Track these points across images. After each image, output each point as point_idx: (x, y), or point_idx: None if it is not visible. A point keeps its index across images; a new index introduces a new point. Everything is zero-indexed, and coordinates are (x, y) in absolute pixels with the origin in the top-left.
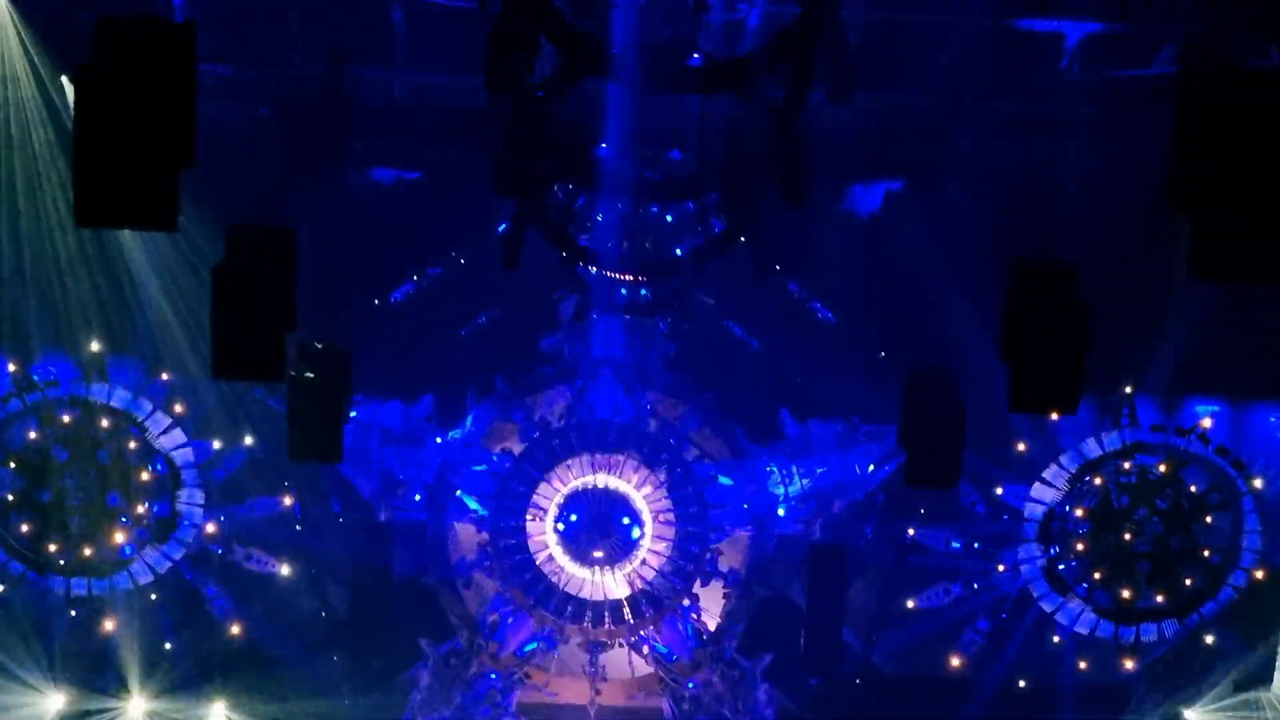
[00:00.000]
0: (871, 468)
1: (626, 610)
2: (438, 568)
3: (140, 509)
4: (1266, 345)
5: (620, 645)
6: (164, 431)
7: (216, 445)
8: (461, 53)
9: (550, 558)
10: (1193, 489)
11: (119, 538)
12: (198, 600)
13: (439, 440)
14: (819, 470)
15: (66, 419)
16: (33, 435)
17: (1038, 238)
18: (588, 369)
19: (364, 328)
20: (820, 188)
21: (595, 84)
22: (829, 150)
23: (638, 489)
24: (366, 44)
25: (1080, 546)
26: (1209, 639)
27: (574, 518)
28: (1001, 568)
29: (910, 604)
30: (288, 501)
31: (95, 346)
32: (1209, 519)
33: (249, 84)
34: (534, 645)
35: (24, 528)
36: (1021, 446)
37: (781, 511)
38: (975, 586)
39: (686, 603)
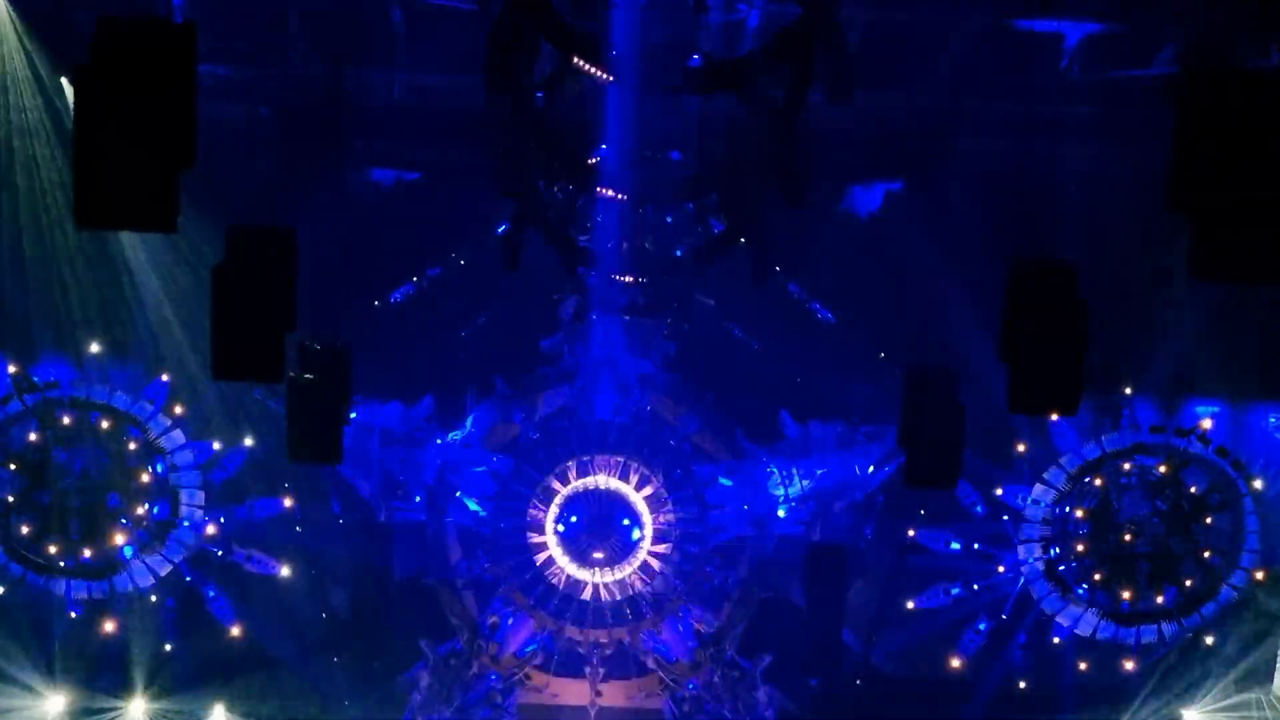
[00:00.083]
0: (871, 468)
1: (627, 611)
2: (437, 569)
3: (140, 510)
4: (1266, 346)
5: (620, 646)
6: (164, 433)
7: (216, 446)
8: (461, 53)
9: (550, 559)
10: (1193, 490)
11: (119, 539)
12: (198, 601)
13: (439, 441)
14: (819, 471)
15: (66, 420)
16: (33, 436)
17: (1037, 238)
18: (588, 370)
19: (364, 328)
20: (820, 188)
21: (595, 85)
22: (829, 150)
23: (637, 490)
24: (366, 44)
25: (1080, 547)
26: (1209, 639)
27: (574, 519)
28: (1001, 569)
29: (910, 605)
30: (288, 503)
31: (95, 348)
32: (1209, 520)
33: (249, 85)
34: (534, 646)
35: (24, 529)
36: (1021, 447)
37: (782, 512)
38: (975, 587)
39: (686, 603)
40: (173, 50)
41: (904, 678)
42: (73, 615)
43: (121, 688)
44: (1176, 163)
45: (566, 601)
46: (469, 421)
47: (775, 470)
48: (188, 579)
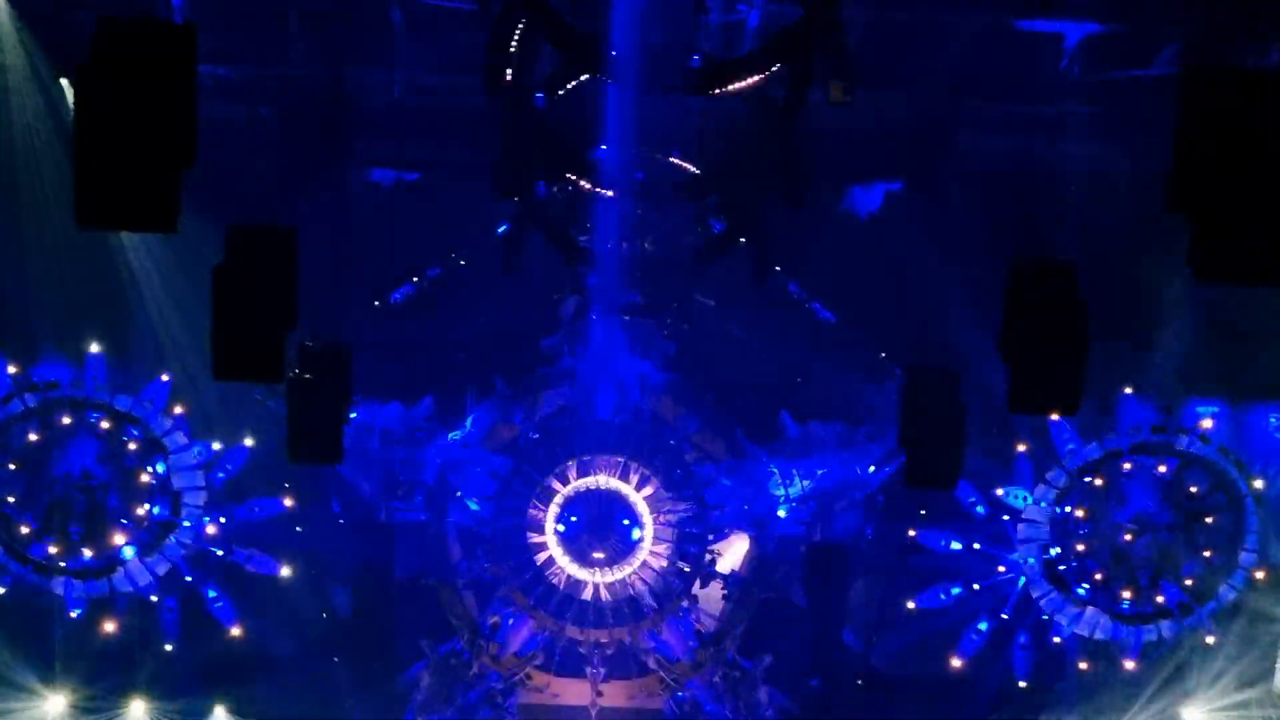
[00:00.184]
0: (872, 468)
1: (627, 611)
2: (438, 569)
3: (140, 510)
4: (1267, 346)
5: (620, 646)
6: (165, 433)
7: (217, 446)
8: (461, 53)
9: (550, 559)
10: (1193, 490)
11: (119, 539)
12: (198, 602)
13: (439, 441)
14: (819, 471)
15: (67, 420)
16: (33, 436)
17: (1037, 238)
18: (587, 370)
19: (364, 329)
20: (820, 188)
21: (595, 85)
22: (829, 150)
23: (637, 490)
24: (366, 45)
25: (1081, 547)
26: (1209, 639)
27: (574, 519)
28: (1002, 568)
29: (910, 605)
30: (288, 503)
31: (95, 348)
32: (1210, 520)
33: (249, 85)
34: (535, 646)
35: (24, 529)
36: (1022, 447)
37: (782, 513)
38: (976, 587)
39: (687, 604)
40: (173, 50)
41: (904, 678)
42: (73, 615)
43: (122, 688)
44: (1177, 163)
45: (567, 601)
46: (469, 421)
47: (775, 470)
48: (188, 579)
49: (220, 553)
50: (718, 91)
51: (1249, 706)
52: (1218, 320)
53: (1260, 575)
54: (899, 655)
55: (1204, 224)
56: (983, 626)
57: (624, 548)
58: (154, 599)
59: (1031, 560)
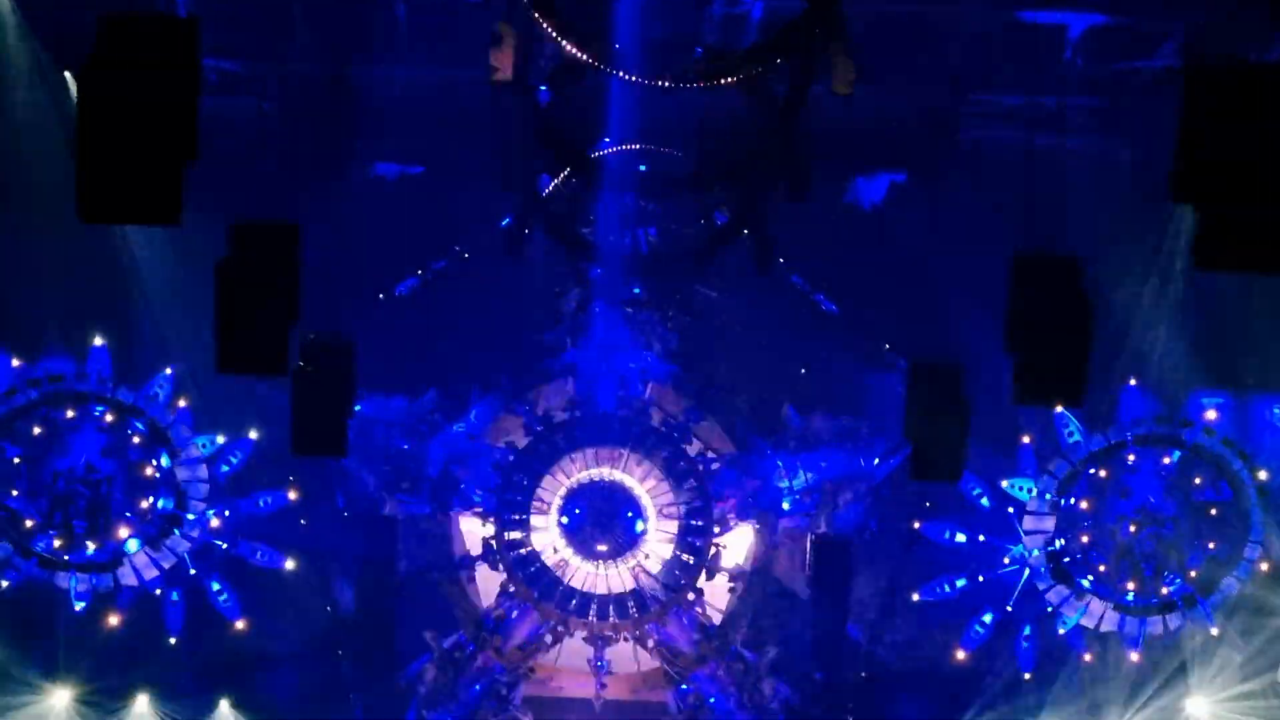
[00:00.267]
0: (876, 461)
1: (631, 604)
2: (442, 562)
3: (144, 504)
4: (1272, 337)
5: (625, 639)
6: (168, 426)
7: (221, 439)
8: (465, 47)
9: (554, 551)
10: (1198, 481)
11: (123, 532)
12: (202, 595)
13: (442, 434)
14: (823, 463)
15: (70, 413)
16: (36, 430)
17: (1041, 230)
18: (590, 362)
19: (368, 322)
20: (823, 181)
21: (598, 78)
22: (832, 142)
23: (641, 482)
24: (370, 38)
25: (1085, 539)
26: (1214, 630)
27: (577, 511)
28: (1006, 560)
29: (915, 597)
30: (293, 496)
31: (99, 341)
32: (1214, 511)
33: (252, 79)
34: (538, 639)
35: (28, 523)
36: (1026, 439)
37: (786, 505)
38: (980, 579)
39: (691, 596)
40: (176, 44)
41: (908, 670)
42: (77, 609)
43: (126, 682)
44: (1181, 154)
45: (570, 594)
46: (472, 414)
47: (779, 463)
48: (192, 572)
49: (224, 546)
50: (720, 84)
51: (1253, 698)
52: (1222, 311)
53: (1265, 567)
54: (903, 647)
55: (1208, 215)
56: (987, 618)
57: (628, 540)
58: (158, 592)
59: (1036, 552)
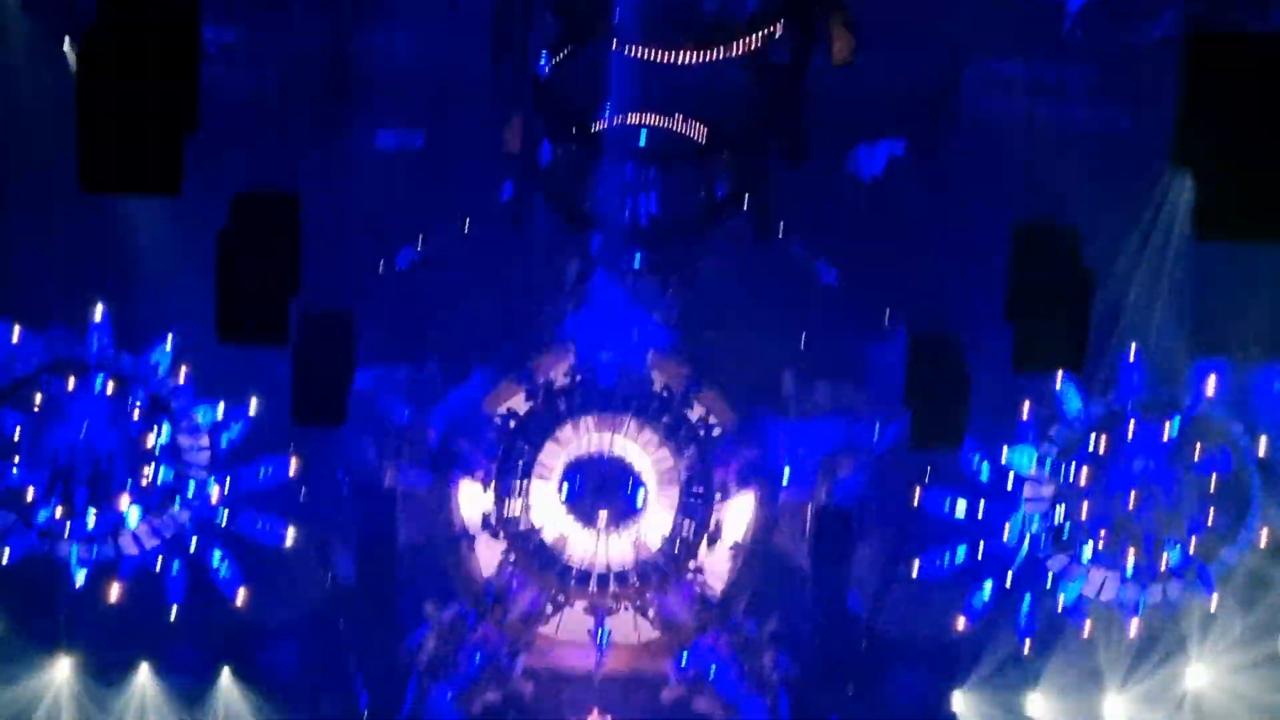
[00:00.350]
0: (876, 431)
1: (632, 574)
2: (442, 533)
3: (145, 475)
4: (1272, 306)
5: (625, 610)
6: (170, 396)
7: (222, 410)
8: (466, 16)
9: (554, 521)
10: (1198, 450)
11: (124, 503)
12: (203, 567)
13: (443, 405)
14: (823, 433)
15: (71, 384)
16: (37, 400)
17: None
18: (591, 332)
19: (368, 293)
20: (823, 149)
21: (598, 48)
22: (832, 111)
23: (642, 449)
24: (370, 7)
25: (1085, 508)
26: (1214, 600)
27: (578, 481)
28: (1007, 530)
29: (915, 567)
30: (294, 467)
31: (100, 311)
32: (1214, 481)
33: (252, 50)
34: (539, 610)
35: (29, 494)
36: (1026, 407)
37: (786, 475)
38: (980, 549)
39: (692, 565)
40: (177, 14)
41: (909, 640)
42: (79, 579)
43: (127, 653)
44: (1181, 122)
45: (571, 565)
46: (473, 383)
47: (780, 432)
48: (193, 543)
49: (225, 516)
50: (720, 51)
51: (1253, 668)
52: (1222, 280)
53: (1265, 536)
54: (903, 618)
55: (1208, 183)
56: (987, 588)
57: (628, 510)
58: (159, 563)
59: (1036, 521)
